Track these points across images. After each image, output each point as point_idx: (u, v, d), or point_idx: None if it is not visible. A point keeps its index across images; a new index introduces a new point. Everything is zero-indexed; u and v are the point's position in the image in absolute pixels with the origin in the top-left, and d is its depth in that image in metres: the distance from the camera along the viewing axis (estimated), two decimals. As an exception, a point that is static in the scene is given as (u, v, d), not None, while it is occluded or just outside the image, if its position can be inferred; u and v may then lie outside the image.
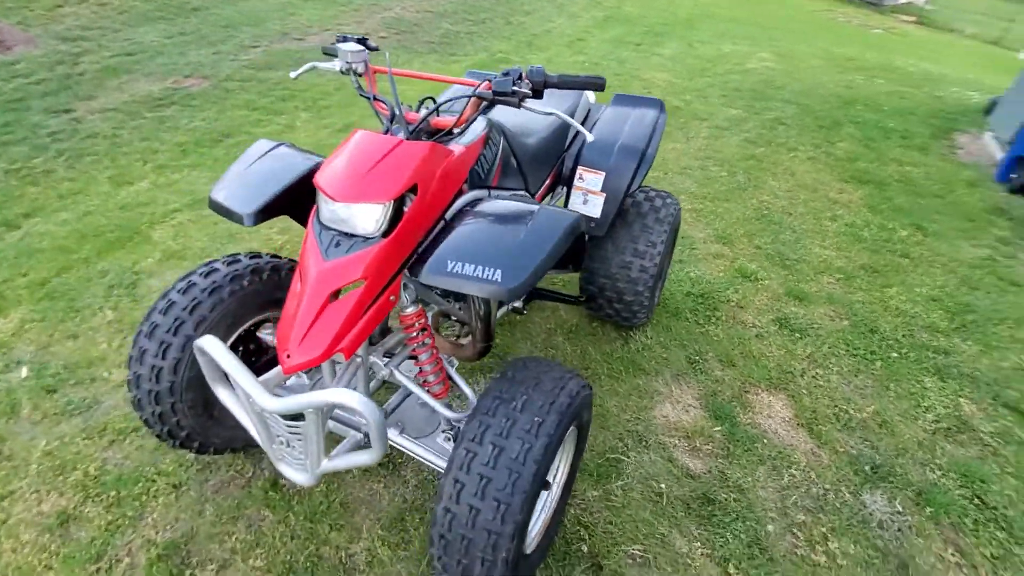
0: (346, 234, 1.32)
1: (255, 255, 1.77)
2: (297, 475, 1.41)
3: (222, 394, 1.45)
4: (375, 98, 1.65)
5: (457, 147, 1.57)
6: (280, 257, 1.84)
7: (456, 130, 1.59)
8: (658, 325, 2.79)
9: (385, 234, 1.32)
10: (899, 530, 1.95)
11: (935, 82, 8.73)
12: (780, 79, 7.92)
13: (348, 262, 1.29)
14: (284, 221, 2.86)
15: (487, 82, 1.51)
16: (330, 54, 1.76)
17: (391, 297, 1.37)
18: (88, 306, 2.62)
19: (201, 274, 1.64)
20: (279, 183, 1.59)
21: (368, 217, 1.30)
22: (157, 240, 3.15)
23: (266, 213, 1.56)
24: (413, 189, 1.36)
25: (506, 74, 1.47)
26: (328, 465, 1.39)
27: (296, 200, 1.61)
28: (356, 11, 8.58)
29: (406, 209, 1.36)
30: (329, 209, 1.32)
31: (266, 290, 1.72)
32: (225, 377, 1.44)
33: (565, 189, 2.32)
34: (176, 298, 1.59)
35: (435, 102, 1.68)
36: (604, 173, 2.19)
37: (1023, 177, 4.67)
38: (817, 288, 3.25)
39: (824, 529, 1.93)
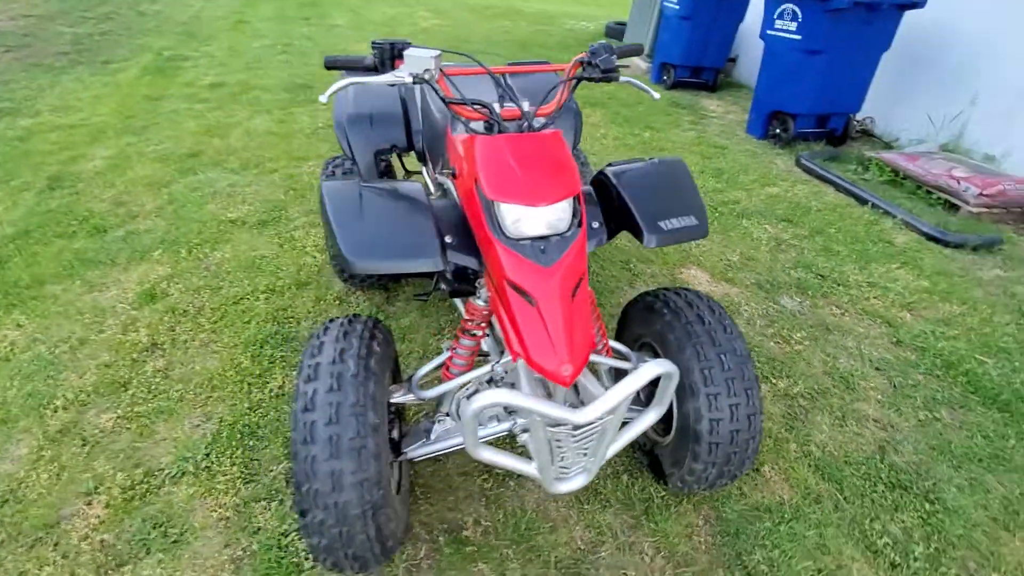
0: (543, 237, 1.30)
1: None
2: (575, 482, 1.34)
3: (486, 455, 1.23)
4: (471, 103, 1.44)
5: (557, 130, 1.47)
6: None
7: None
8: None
9: (579, 224, 1.35)
10: (809, 308, 2.74)
11: (558, 18, 10.72)
12: (457, 32, 8.61)
13: (569, 261, 1.29)
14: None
15: (576, 64, 1.56)
16: (367, 68, 1.53)
17: None
18: None
19: None
20: None
21: (566, 213, 1.32)
22: None
23: None
24: None
25: (595, 52, 1.51)
26: (612, 450, 1.34)
27: None
28: None
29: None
30: (530, 216, 1.28)
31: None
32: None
33: None
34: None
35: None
36: None
37: (672, 77, 6.37)
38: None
39: (774, 329, 2.55)
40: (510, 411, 1.48)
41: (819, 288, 2.92)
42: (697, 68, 6.34)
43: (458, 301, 2.06)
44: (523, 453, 1.46)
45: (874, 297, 2.87)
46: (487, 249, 1.34)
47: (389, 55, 1.46)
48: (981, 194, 3.59)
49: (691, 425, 1.49)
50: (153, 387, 2.11)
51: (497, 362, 1.51)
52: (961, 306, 2.84)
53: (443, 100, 1.44)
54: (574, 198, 1.35)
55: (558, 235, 1.31)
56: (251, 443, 1.90)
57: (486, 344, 1.70)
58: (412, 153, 2.38)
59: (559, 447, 1.28)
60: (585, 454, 1.31)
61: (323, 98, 1.48)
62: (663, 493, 1.79)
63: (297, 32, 7.60)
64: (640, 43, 1.77)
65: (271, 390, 2.11)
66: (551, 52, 7.78)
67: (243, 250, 2.94)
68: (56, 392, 2.06)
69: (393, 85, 1.55)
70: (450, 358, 1.58)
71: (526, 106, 1.46)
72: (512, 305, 1.27)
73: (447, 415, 1.59)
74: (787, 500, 1.81)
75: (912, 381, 2.33)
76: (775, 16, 4.56)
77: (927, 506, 1.82)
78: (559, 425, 1.23)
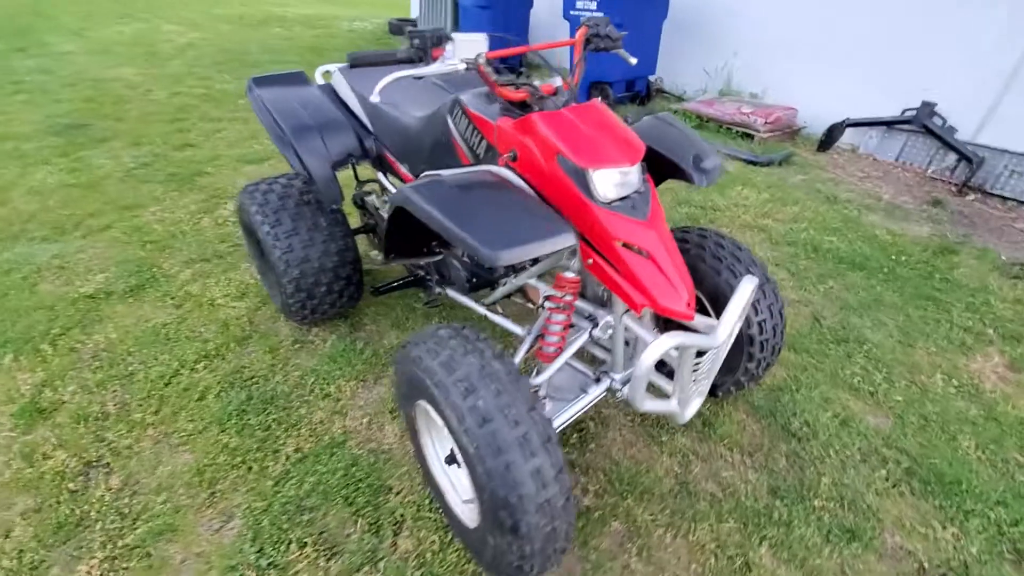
0: (625, 197, 1.36)
1: None
2: (695, 404, 1.48)
3: (648, 405, 1.39)
4: (518, 84, 1.45)
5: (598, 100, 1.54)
6: None
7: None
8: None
9: (645, 182, 1.44)
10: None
11: (331, 21, 10.27)
12: (229, 44, 7.72)
13: (657, 214, 1.39)
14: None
15: (583, 38, 1.62)
16: (400, 61, 1.46)
17: None
18: None
19: None
20: None
21: (640, 172, 1.40)
22: None
23: None
24: None
25: (597, 23, 1.62)
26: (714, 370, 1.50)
27: None
28: None
29: None
30: (619, 178, 1.34)
31: None
32: None
33: None
34: None
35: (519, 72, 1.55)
36: None
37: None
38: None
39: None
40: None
41: (704, 216, 3.47)
42: (632, 80, 6.71)
43: (467, 300, 2.00)
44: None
45: (742, 214, 3.53)
46: (583, 218, 1.37)
47: (431, 44, 1.37)
48: (766, 122, 4.60)
49: (744, 332, 1.73)
50: (125, 510, 1.64)
51: (594, 327, 1.56)
52: (794, 206, 3.66)
53: (493, 83, 1.40)
54: None
55: (638, 192, 1.40)
56: (305, 517, 1.62)
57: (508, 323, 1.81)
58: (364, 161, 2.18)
59: (693, 375, 1.40)
60: (704, 378, 1.46)
61: (375, 98, 1.35)
62: (702, 410, 2.02)
63: (21, 66, 6.01)
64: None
65: (288, 456, 1.80)
66: (343, 52, 7.48)
67: (131, 324, 2.36)
68: (-19, 570, 1.47)
69: (433, 75, 1.44)
70: (541, 339, 1.57)
71: (558, 81, 1.50)
72: (627, 262, 1.33)
73: (545, 398, 1.59)
74: (786, 375, 2.20)
75: (801, 266, 2.97)
76: (576, -3, 5.11)
77: (863, 346, 2.38)
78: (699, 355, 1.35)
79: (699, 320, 1.48)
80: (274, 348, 2.26)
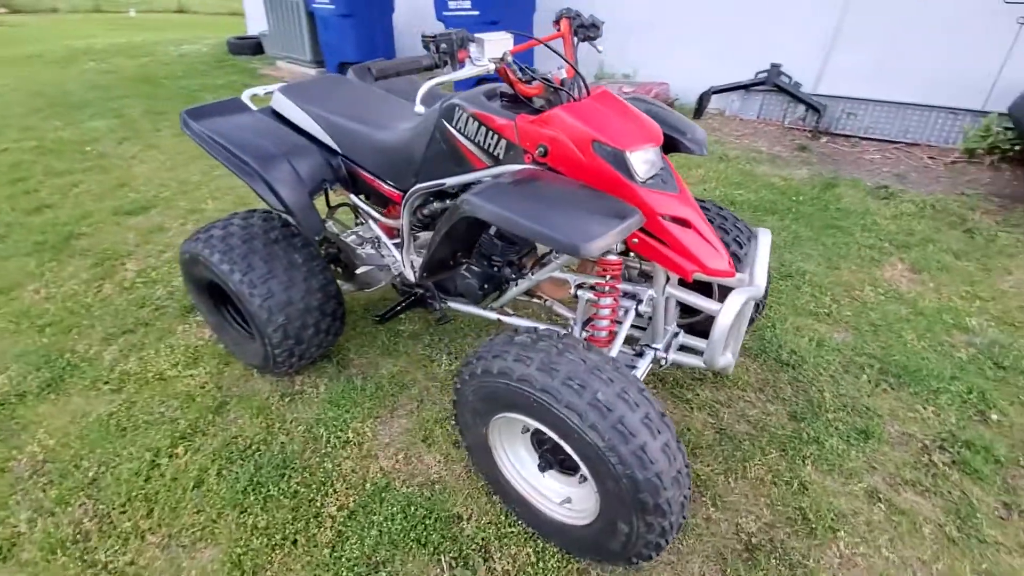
0: (655, 175, 1.43)
1: None
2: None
3: (721, 361, 1.48)
4: (539, 78, 1.45)
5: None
6: None
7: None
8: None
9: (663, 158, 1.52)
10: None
11: (152, 47, 9.16)
12: (40, 88, 6.58)
13: (683, 185, 1.48)
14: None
15: (569, 31, 1.64)
16: (426, 68, 1.36)
17: None
18: None
19: None
20: None
21: (660, 151, 1.47)
22: None
23: None
24: None
25: (578, 14, 1.66)
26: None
27: None
28: None
29: None
30: (651, 156, 1.41)
31: None
32: None
33: None
34: None
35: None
36: None
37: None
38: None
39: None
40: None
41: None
42: None
43: (474, 309, 1.95)
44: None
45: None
46: (626, 199, 1.40)
47: (457, 47, 1.30)
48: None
49: None
50: (166, 634, 1.38)
51: (638, 303, 1.61)
52: (699, 169, 4.03)
53: (519, 79, 1.38)
54: None
55: (662, 167, 1.47)
56: (382, 573, 1.49)
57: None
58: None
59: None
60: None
61: (420, 109, 1.27)
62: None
63: None
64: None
65: (333, 517, 1.63)
66: (184, 80, 6.75)
67: (66, 424, 1.96)
68: None
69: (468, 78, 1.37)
70: (592, 325, 1.58)
71: (563, 74, 1.51)
72: (674, 234, 1.40)
73: None
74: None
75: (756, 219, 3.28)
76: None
77: (804, 277, 2.72)
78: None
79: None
80: (262, 408, 2.01)
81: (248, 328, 2.15)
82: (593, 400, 1.17)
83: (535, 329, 1.36)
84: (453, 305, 2.01)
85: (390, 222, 2.02)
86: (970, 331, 2.35)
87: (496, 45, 1.34)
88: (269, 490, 1.71)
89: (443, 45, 1.32)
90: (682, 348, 1.79)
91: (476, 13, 5.02)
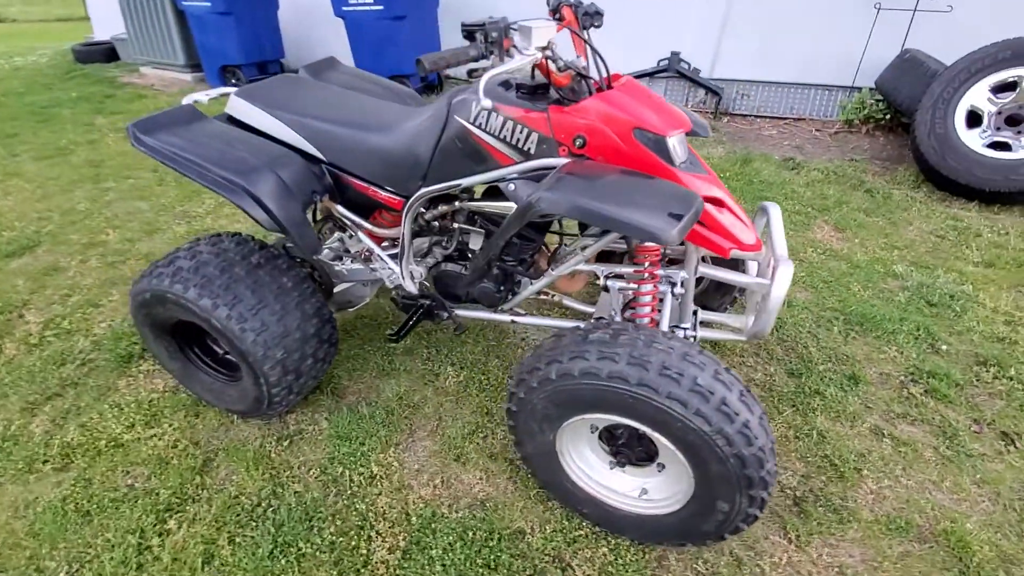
0: (686, 159, 1.45)
1: None
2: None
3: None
4: (570, 66, 1.38)
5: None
6: None
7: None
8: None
9: None
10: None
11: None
12: None
13: (708, 167, 1.52)
14: None
15: (573, 20, 1.52)
16: (473, 59, 1.25)
17: None
18: None
19: None
20: None
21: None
22: None
23: None
24: None
25: (578, 2, 1.55)
26: None
27: None
28: None
29: None
30: (684, 137, 1.45)
31: None
32: None
33: None
34: None
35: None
36: None
37: (243, 80, 5.83)
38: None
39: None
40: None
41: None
42: (263, 64, 5.99)
43: (486, 313, 1.86)
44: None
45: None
46: None
47: (503, 35, 1.21)
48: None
49: None
50: None
51: (673, 286, 1.63)
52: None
53: (551, 72, 1.32)
54: None
55: (688, 152, 1.50)
56: (463, 609, 1.38)
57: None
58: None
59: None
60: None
61: (487, 103, 1.16)
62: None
63: None
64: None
65: (386, 561, 1.48)
66: (29, 96, 5.75)
67: (7, 520, 1.58)
68: None
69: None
70: (633, 313, 1.57)
71: (582, 62, 1.48)
72: (713, 214, 1.43)
73: None
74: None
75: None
76: (347, -6, 4.82)
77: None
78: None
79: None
80: (259, 458, 1.77)
81: (226, 370, 1.88)
82: (694, 386, 1.16)
83: (607, 323, 1.32)
84: (461, 312, 1.91)
85: (385, 232, 1.86)
86: (900, 277, 2.68)
87: (542, 32, 1.27)
88: (300, 548, 1.51)
89: (493, 34, 1.22)
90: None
91: (380, 8, 4.79)
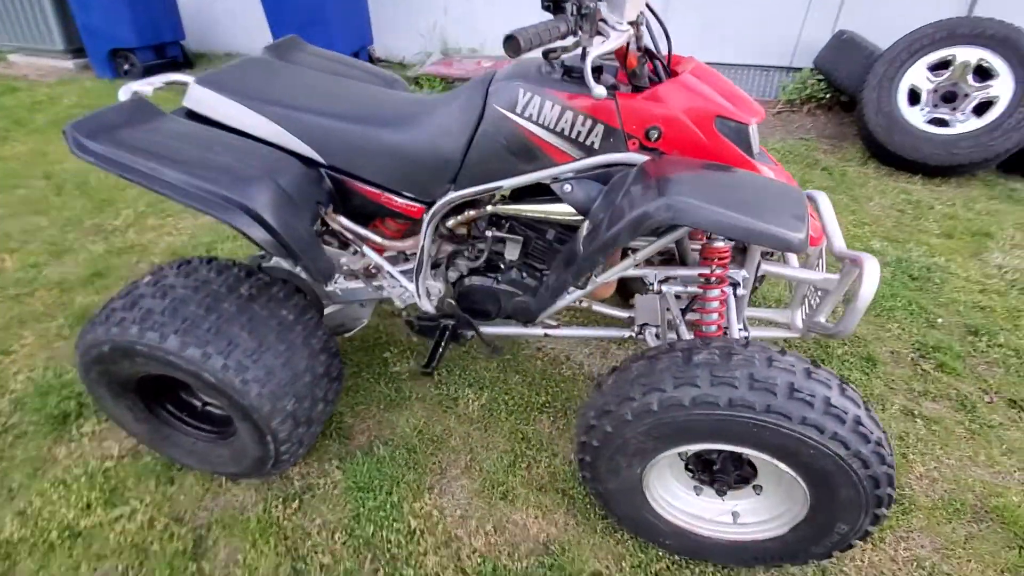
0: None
1: None
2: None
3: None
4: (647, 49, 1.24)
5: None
6: None
7: None
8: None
9: None
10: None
11: None
12: None
13: (772, 157, 1.46)
14: None
15: None
16: (568, 31, 1.06)
17: None
18: None
19: None
20: None
21: None
22: None
23: None
24: None
25: None
26: None
27: None
28: None
29: None
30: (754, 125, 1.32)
31: None
32: None
33: None
34: None
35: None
36: None
37: (138, 65, 5.06)
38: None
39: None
40: None
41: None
42: (160, 46, 5.23)
43: (517, 329, 1.66)
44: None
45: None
46: None
47: (595, 7, 1.00)
48: (510, 72, 4.86)
49: None
50: None
51: (735, 288, 1.51)
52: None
53: (639, 51, 1.12)
54: None
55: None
56: None
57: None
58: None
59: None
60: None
61: (600, 92, 0.95)
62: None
63: None
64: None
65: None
66: None
67: None
68: None
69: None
70: (699, 322, 1.43)
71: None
72: None
73: None
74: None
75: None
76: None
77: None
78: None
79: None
80: (264, 529, 1.47)
81: (210, 426, 1.54)
82: (828, 408, 1.04)
83: (708, 344, 1.17)
84: (489, 330, 1.69)
85: (391, 243, 1.58)
86: (879, 253, 2.77)
87: (635, 4, 1.07)
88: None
89: (589, 4, 1.00)
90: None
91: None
